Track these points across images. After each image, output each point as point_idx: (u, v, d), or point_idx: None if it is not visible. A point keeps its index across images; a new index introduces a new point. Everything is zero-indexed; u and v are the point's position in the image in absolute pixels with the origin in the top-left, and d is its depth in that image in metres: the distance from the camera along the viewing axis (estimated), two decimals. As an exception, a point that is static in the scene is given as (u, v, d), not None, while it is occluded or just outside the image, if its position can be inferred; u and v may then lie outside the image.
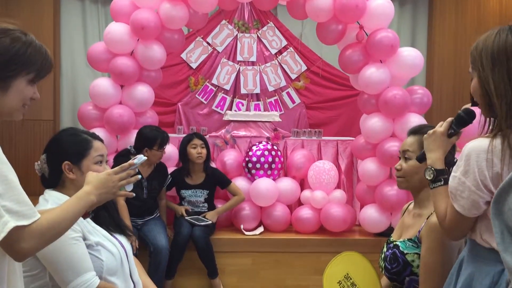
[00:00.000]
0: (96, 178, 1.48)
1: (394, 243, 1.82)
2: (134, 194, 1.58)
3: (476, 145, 1.36)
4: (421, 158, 1.67)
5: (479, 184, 1.34)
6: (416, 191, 1.84)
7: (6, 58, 1.28)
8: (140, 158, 1.57)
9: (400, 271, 1.76)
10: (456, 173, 1.40)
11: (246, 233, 3.96)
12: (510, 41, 1.36)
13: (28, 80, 1.34)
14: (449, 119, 1.59)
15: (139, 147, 3.54)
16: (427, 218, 1.73)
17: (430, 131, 1.61)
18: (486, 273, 1.37)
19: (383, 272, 1.85)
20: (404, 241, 1.79)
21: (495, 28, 1.42)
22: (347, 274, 1.93)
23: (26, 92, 1.34)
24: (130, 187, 1.55)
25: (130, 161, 1.55)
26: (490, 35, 1.40)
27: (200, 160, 3.79)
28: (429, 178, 1.56)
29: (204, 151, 3.81)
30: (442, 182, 1.53)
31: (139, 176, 1.58)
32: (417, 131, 1.85)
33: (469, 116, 1.57)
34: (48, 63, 1.39)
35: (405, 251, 1.76)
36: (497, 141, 1.34)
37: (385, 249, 1.87)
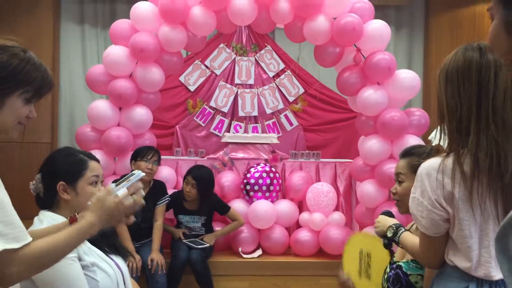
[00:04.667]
0: (103, 207, 1.37)
1: (397, 263, 1.80)
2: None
3: (428, 165, 1.40)
4: (388, 244, 1.80)
5: (434, 203, 1.36)
6: None
7: (2, 74, 1.24)
8: (138, 174, 1.51)
9: (403, 292, 1.74)
10: (414, 194, 1.43)
11: (244, 256, 3.92)
12: (461, 59, 1.39)
13: (25, 98, 1.29)
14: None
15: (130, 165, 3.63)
16: None
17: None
18: None
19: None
20: (407, 262, 1.77)
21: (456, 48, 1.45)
22: (369, 253, 2.01)
23: (21, 110, 1.30)
24: None
25: (132, 183, 1.47)
26: (449, 56, 1.44)
27: (188, 198, 3.75)
28: (390, 235, 1.71)
29: (194, 191, 3.70)
30: (403, 229, 1.68)
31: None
32: (407, 152, 1.87)
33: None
34: (48, 82, 1.34)
35: (408, 272, 1.73)
36: (449, 160, 1.36)
37: (388, 270, 1.84)
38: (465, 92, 1.36)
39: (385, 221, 1.79)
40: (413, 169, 1.78)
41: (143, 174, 1.54)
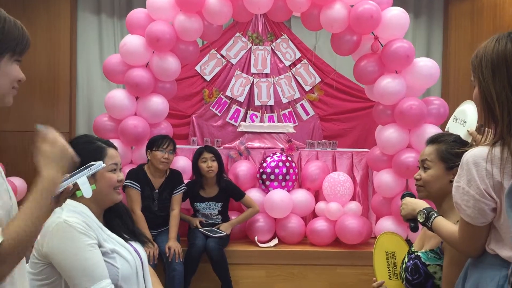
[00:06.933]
0: (53, 156, 1.27)
1: (416, 253, 1.78)
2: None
3: (476, 154, 1.36)
4: (415, 227, 1.78)
5: (483, 192, 1.33)
6: (438, 201, 1.81)
7: None
8: (99, 164, 1.51)
9: (421, 282, 1.73)
10: (459, 183, 1.40)
11: (261, 245, 3.93)
12: (509, 48, 1.35)
13: (15, 59, 1.25)
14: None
15: (146, 154, 3.67)
16: None
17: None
18: (491, 277, 1.36)
19: (404, 283, 1.81)
20: (426, 252, 1.75)
21: (494, 35, 1.41)
22: (393, 253, 2.03)
23: (13, 73, 1.25)
24: (89, 193, 1.47)
25: (93, 173, 1.49)
26: (490, 43, 1.40)
27: (211, 174, 3.77)
28: (422, 220, 1.66)
29: (215, 164, 3.77)
30: (436, 214, 1.63)
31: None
32: (436, 139, 1.84)
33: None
34: (27, 37, 1.27)
35: (427, 262, 1.72)
36: (496, 150, 1.33)
37: (406, 260, 1.83)
38: None
39: (414, 205, 1.74)
40: (441, 156, 1.76)
41: (104, 165, 1.55)
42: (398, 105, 3.71)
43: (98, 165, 1.49)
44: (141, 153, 3.82)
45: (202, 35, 3.92)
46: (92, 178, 1.70)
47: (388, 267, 2.02)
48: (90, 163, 1.49)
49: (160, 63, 3.77)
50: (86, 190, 1.44)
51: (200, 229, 3.72)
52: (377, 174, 4.02)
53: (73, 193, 1.42)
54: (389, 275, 2.00)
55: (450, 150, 1.76)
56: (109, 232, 1.76)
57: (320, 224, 3.99)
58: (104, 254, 1.64)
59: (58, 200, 1.42)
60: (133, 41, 3.75)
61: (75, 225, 1.60)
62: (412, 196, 1.84)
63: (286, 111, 5.14)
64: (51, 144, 1.28)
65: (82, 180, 1.43)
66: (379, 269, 2.03)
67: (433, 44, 5.46)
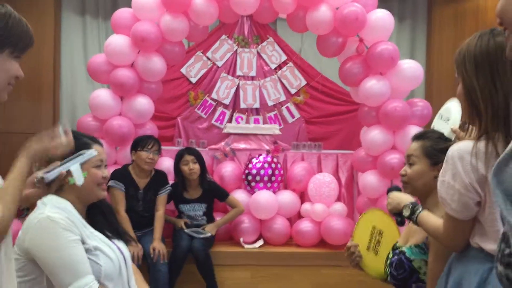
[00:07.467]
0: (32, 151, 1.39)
1: (400, 249, 1.79)
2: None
3: (460, 149, 1.38)
4: (401, 222, 1.77)
5: (467, 186, 1.35)
6: (423, 197, 1.82)
7: None
8: (91, 153, 1.51)
9: (406, 278, 1.73)
10: (444, 177, 1.41)
11: (246, 246, 3.92)
12: (492, 44, 1.37)
13: (16, 56, 1.26)
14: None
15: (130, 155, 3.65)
16: None
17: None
18: (475, 271, 1.37)
19: (388, 278, 1.82)
20: (410, 247, 1.76)
21: (477, 32, 1.43)
22: (381, 231, 2.02)
23: (12, 69, 1.25)
24: (81, 180, 1.45)
25: (86, 160, 1.54)
26: (472, 40, 1.42)
27: (193, 176, 3.75)
28: (407, 214, 1.66)
29: (196, 166, 3.75)
30: (421, 208, 1.63)
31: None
32: (421, 136, 1.86)
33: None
34: (30, 35, 1.28)
35: (412, 257, 1.73)
36: (481, 144, 1.35)
37: (391, 255, 1.83)
38: (501, 79, 1.34)
39: (400, 199, 1.75)
40: (426, 152, 1.78)
41: (96, 153, 1.53)
42: (383, 106, 3.74)
43: (90, 153, 1.48)
44: (126, 154, 3.79)
45: (188, 36, 3.92)
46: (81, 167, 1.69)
47: (370, 239, 2.00)
48: (81, 151, 1.48)
49: (146, 63, 3.75)
50: (78, 177, 1.44)
51: (185, 230, 3.70)
52: (362, 175, 4.04)
53: (65, 180, 1.42)
54: (367, 246, 2.00)
55: (435, 146, 1.78)
56: (92, 229, 1.73)
57: (305, 225, 4.00)
58: (87, 251, 1.62)
59: (51, 186, 1.41)
60: (118, 41, 3.73)
61: (58, 220, 1.58)
62: (399, 190, 1.84)
63: (271, 114, 5.14)
64: (36, 141, 1.35)
65: (75, 167, 1.43)
66: (358, 235, 2.03)
67: (416, 47, 5.53)
